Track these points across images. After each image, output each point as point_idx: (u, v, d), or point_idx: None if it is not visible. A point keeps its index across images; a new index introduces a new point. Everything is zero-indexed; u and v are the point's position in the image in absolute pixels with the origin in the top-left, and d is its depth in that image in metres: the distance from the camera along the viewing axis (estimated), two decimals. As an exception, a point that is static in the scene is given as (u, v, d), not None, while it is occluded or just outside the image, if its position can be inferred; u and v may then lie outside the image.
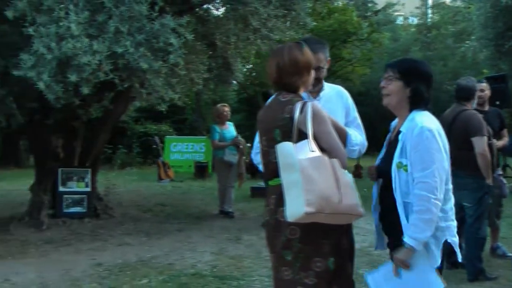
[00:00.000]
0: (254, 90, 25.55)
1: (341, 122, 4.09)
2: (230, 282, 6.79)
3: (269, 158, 3.65)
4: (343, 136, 3.88)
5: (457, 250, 3.62)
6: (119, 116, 12.20)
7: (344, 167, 3.47)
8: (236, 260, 7.84)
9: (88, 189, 10.79)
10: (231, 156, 11.21)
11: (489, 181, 6.67)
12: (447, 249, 3.60)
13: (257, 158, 4.15)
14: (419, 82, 3.61)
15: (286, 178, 3.35)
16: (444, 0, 35.75)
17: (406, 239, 3.39)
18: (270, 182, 3.68)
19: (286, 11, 9.63)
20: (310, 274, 3.52)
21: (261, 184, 12.88)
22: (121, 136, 22.57)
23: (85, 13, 7.10)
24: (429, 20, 36.81)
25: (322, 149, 3.45)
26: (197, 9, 10.39)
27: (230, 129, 11.58)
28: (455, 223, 3.59)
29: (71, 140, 10.95)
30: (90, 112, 10.44)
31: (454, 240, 3.56)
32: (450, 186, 3.57)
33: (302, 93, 3.76)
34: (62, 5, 7.10)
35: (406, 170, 3.47)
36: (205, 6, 10.66)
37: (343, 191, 3.33)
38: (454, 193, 3.65)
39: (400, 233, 3.47)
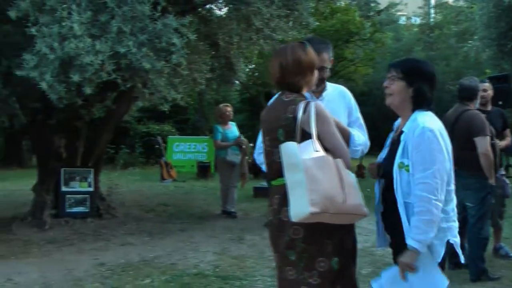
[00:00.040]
0: (256, 90, 25.57)
1: (343, 122, 4.09)
2: (232, 282, 6.79)
3: (273, 158, 3.65)
4: (346, 137, 3.88)
5: (459, 251, 3.61)
6: (121, 116, 12.20)
7: (348, 167, 3.47)
8: (238, 260, 7.84)
9: (91, 189, 10.79)
10: (233, 156, 11.20)
11: (492, 181, 6.66)
12: (450, 250, 3.59)
13: (260, 158, 4.14)
14: (422, 82, 3.61)
15: (290, 178, 3.35)
16: (446, 0, 35.72)
17: (409, 241, 3.38)
18: (274, 182, 3.68)
19: (288, 11, 9.63)
20: (314, 274, 3.52)
21: (264, 184, 12.88)
22: (124, 136, 22.59)
23: (88, 13, 7.10)
24: (431, 20, 36.79)
25: (325, 149, 3.45)
26: (199, 9, 10.39)
27: (232, 129, 11.57)
28: (456, 224, 3.58)
29: (74, 140, 10.95)
30: (92, 112, 10.43)
31: (456, 240, 3.56)
32: (452, 187, 3.56)
33: (305, 93, 3.75)
34: (64, 5, 7.10)
35: (408, 171, 3.46)
36: (207, 6, 10.65)
37: (347, 191, 3.34)
38: (457, 193, 3.64)
39: (402, 233, 3.46)
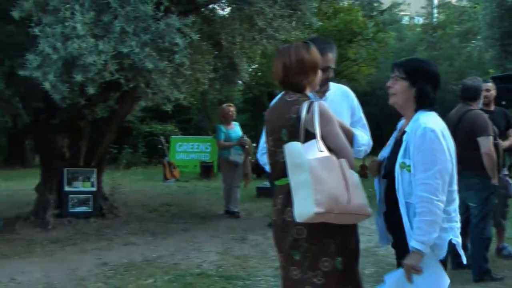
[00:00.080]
0: (259, 90, 25.52)
1: (346, 122, 4.09)
2: (235, 282, 6.80)
3: (276, 158, 3.65)
4: (350, 137, 3.88)
5: (461, 251, 3.61)
6: (124, 116, 12.22)
7: (352, 167, 3.48)
8: (241, 260, 7.84)
9: (94, 189, 10.80)
10: (236, 156, 11.21)
11: (495, 181, 6.66)
12: (453, 250, 3.59)
13: (263, 158, 4.13)
14: (425, 82, 3.60)
15: (295, 178, 3.34)
16: (449, 0, 35.67)
17: (412, 243, 3.37)
18: (277, 182, 3.67)
19: (291, 11, 9.62)
20: (318, 273, 3.52)
21: (267, 184, 12.91)
22: (127, 136, 22.57)
23: (91, 13, 7.11)
24: (434, 19, 36.72)
25: (329, 149, 3.44)
26: (202, 9, 10.39)
27: (235, 129, 11.58)
28: (458, 224, 3.57)
29: (77, 140, 10.96)
30: (95, 112, 10.45)
31: (458, 241, 3.55)
32: (455, 188, 3.54)
33: (309, 93, 3.75)
34: (67, 5, 7.11)
35: (409, 171, 3.45)
36: (210, 6, 10.66)
37: (352, 191, 3.34)
38: (460, 193, 3.64)
39: (404, 233, 3.46)
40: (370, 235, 8.07)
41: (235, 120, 11.80)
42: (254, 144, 12.11)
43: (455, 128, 6.29)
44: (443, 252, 3.47)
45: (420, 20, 38.29)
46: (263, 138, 4.05)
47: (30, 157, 23.76)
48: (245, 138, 11.37)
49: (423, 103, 3.60)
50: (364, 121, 4.38)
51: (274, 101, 3.90)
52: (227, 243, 8.90)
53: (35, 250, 8.46)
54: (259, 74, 25.19)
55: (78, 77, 7.09)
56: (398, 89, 3.63)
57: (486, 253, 6.81)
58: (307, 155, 3.31)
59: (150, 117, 24.12)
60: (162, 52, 7.60)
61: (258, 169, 15.65)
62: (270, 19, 9.29)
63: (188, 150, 20.98)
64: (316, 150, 3.36)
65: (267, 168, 3.91)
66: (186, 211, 12.03)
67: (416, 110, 3.60)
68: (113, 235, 9.55)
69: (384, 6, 29.75)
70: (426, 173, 3.37)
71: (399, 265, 3.56)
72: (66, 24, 7.04)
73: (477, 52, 26.40)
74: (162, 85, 8.46)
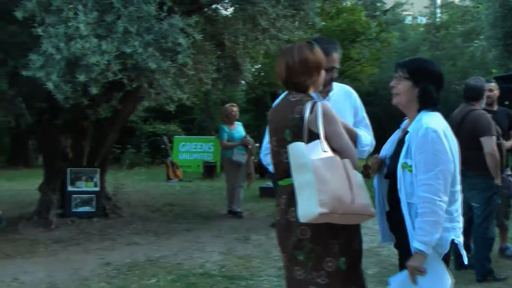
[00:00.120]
0: (262, 90, 25.56)
1: (349, 122, 4.09)
2: (238, 282, 6.79)
3: (280, 158, 3.64)
4: (353, 137, 3.87)
5: (463, 252, 3.60)
6: (127, 116, 12.22)
7: (355, 167, 3.47)
8: (244, 260, 7.84)
9: (97, 189, 10.81)
10: (239, 156, 11.21)
11: (498, 181, 6.65)
12: (456, 251, 3.59)
13: (266, 159, 4.12)
14: (428, 82, 3.59)
15: (298, 178, 3.34)
16: (452, 0, 35.65)
17: (414, 243, 3.37)
18: (281, 182, 3.67)
19: (295, 11, 9.62)
20: (322, 274, 3.51)
21: (270, 184, 12.89)
22: (130, 136, 22.59)
23: (94, 14, 7.12)
24: (437, 19, 36.71)
25: (332, 149, 3.44)
26: (205, 9, 10.39)
27: (238, 129, 11.57)
28: (460, 224, 3.56)
29: (80, 140, 10.97)
30: (98, 112, 10.45)
31: (460, 241, 3.54)
32: (457, 188, 3.53)
33: (312, 93, 3.75)
34: (71, 6, 7.12)
35: (411, 171, 3.45)
36: (213, 6, 10.65)
37: (356, 192, 3.34)
38: (463, 193, 3.63)
39: (406, 233, 3.46)
40: (373, 235, 8.06)
41: (238, 120, 11.80)
42: (257, 144, 12.15)
43: (458, 128, 6.29)
44: (444, 251, 3.47)
45: (423, 20, 38.29)
46: (266, 138, 4.04)
47: (33, 157, 23.79)
48: (248, 138, 11.37)
49: (426, 103, 3.59)
50: (367, 121, 4.38)
51: (277, 101, 3.90)
52: (230, 243, 8.90)
53: (38, 250, 8.47)
54: (262, 74, 25.22)
55: (81, 77, 7.10)
56: (402, 89, 3.63)
57: (489, 253, 6.80)
58: (311, 156, 3.31)
59: (153, 117, 24.14)
60: (165, 52, 7.61)
61: (261, 169, 15.66)
62: (273, 19, 9.29)
63: (191, 150, 21.01)
64: (320, 151, 3.36)
65: (271, 168, 3.91)
66: (189, 211, 12.03)
67: (419, 110, 3.60)
68: (116, 235, 9.55)
69: (387, 6, 29.77)
70: (428, 174, 3.36)
71: (401, 265, 3.56)
72: (69, 24, 7.06)
73: (480, 52, 26.42)
74: (165, 85, 8.46)
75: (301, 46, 3.70)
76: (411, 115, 3.66)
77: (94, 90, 7.39)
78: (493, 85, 7.62)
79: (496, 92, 7.63)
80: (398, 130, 3.86)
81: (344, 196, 3.28)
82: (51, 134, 10.59)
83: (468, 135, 6.51)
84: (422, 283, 3.38)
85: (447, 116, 3.74)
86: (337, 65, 4.20)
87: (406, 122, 3.79)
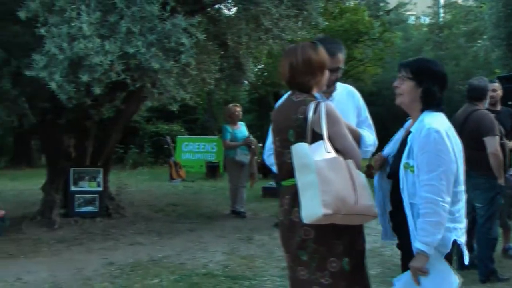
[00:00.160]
0: (265, 90, 25.50)
1: (352, 122, 4.08)
2: (241, 282, 6.80)
3: (283, 159, 3.64)
4: (357, 138, 3.87)
5: (465, 252, 3.60)
6: (130, 116, 12.23)
7: (359, 168, 3.47)
8: (247, 260, 7.84)
9: (100, 189, 10.82)
10: (242, 156, 11.20)
11: (501, 181, 6.65)
12: (458, 251, 3.58)
13: (270, 159, 4.10)
14: (431, 82, 3.58)
15: (302, 179, 3.33)
16: (456, 0, 35.60)
17: (416, 244, 3.36)
18: (284, 183, 3.67)
19: (298, 11, 9.61)
20: (326, 274, 3.51)
21: (273, 184, 12.90)
22: (133, 136, 22.58)
23: (97, 14, 7.12)
24: (441, 19, 36.62)
25: (336, 150, 3.44)
26: (208, 9, 10.39)
27: (241, 129, 11.57)
28: (463, 225, 3.55)
29: (83, 139, 10.98)
30: (102, 112, 10.47)
31: (462, 241, 3.53)
32: (460, 189, 3.52)
33: (315, 93, 3.74)
34: (74, 6, 7.12)
35: (413, 171, 3.44)
36: (216, 6, 10.66)
37: (359, 192, 3.33)
38: (467, 193, 3.62)
39: (408, 233, 3.45)
40: (376, 235, 8.01)
41: (241, 120, 11.80)
42: (260, 144, 12.13)
43: (461, 128, 6.27)
44: (446, 251, 3.46)
45: (426, 20, 38.19)
46: (269, 139, 4.03)
47: (37, 157, 23.80)
48: (251, 138, 11.37)
49: (429, 103, 3.58)
50: (370, 121, 4.37)
51: (281, 101, 3.89)
52: (233, 243, 8.90)
53: (41, 250, 8.48)
54: (265, 74, 25.18)
55: (84, 77, 7.10)
56: (405, 89, 3.62)
57: (492, 253, 6.80)
58: (314, 156, 3.30)
59: (156, 117, 24.13)
60: (168, 52, 7.61)
61: (264, 169, 15.63)
62: (276, 19, 9.29)
63: (194, 150, 20.99)
64: (323, 151, 3.35)
65: (274, 168, 3.90)
66: (192, 211, 12.03)
67: (422, 110, 3.59)
68: (119, 235, 9.56)
69: (390, 6, 29.68)
70: (430, 174, 3.35)
71: (404, 265, 3.56)
72: (72, 24, 7.06)
73: (483, 52, 26.35)
74: (168, 85, 8.46)
75: (304, 46, 3.69)
76: (414, 115, 3.66)
77: (97, 90, 7.40)
78: (496, 85, 7.62)
79: (500, 92, 7.63)
80: (401, 128, 3.86)
81: (347, 197, 3.27)
82: (54, 134, 10.61)
83: (471, 135, 6.50)
84: (425, 284, 3.38)
85: (450, 116, 3.73)
86: (341, 65, 4.18)
87: (409, 122, 3.78)
